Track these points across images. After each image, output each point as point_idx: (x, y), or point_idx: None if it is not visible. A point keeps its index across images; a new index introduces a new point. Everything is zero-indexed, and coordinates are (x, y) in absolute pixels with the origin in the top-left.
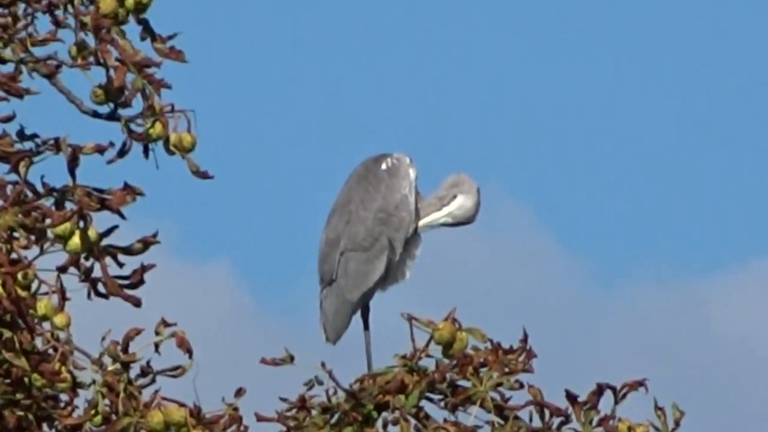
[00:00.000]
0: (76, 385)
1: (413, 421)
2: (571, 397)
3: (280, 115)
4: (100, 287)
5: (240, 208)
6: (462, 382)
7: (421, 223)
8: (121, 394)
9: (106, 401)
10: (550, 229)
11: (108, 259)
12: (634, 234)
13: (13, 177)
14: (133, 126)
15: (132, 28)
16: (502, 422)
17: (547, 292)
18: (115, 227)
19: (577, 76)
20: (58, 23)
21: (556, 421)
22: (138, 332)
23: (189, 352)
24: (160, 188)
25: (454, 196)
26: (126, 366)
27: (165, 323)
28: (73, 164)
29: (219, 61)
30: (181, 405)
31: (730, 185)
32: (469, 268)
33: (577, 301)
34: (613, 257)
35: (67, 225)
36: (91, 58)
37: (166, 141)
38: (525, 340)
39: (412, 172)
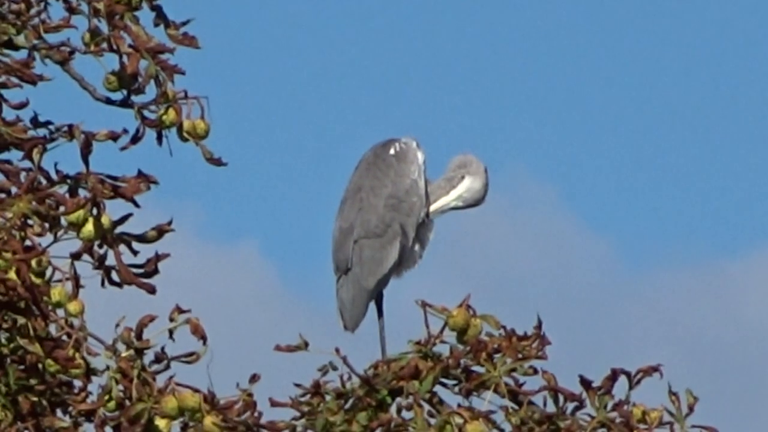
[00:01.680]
0: (89, 372)
1: (427, 407)
2: (585, 383)
3: (295, 100)
4: (114, 275)
5: (267, 189)
6: (476, 368)
7: (431, 208)
8: (135, 380)
9: (120, 387)
10: (575, 208)
11: (123, 247)
12: (660, 214)
13: (27, 164)
14: (146, 113)
15: (145, 14)
16: (516, 407)
17: (571, 273)
18: (129, 215)
19: (603, 54)
20: (71, 10)
21: (570, 406)
22: (152, 319)
23: (203, 338)
24: (186, 170)
25: (462, 177)
26: (140, 352)
27: (179, 310)
28: (86, 151)
29: (233, 47)
30: (196, 391)
31: (758, 164)
32: (491, 249)
33: (601, 283)
34: (639, 238)
35: (81, 212)
36: (104, 45)
37: (180, 128)
38: (539, 326)
39: (420, 156)
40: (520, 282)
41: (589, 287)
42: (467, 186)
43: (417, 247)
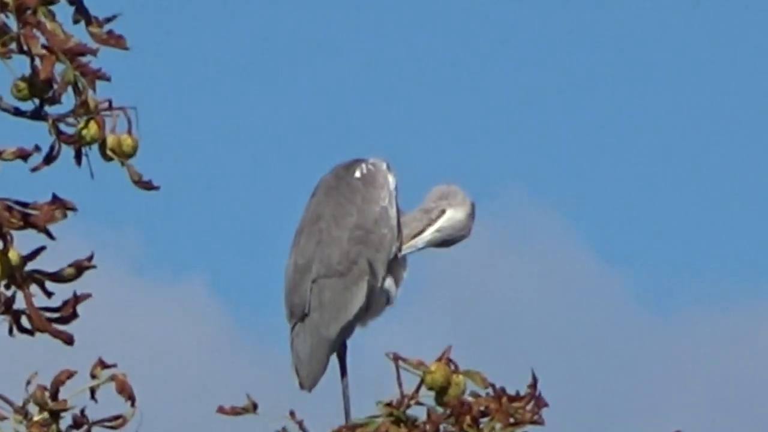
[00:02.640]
0: None
1: None
2: None
3: (246, 111)
4: (24, 321)
5: (216, 216)
6: None
7: (406, 243)
8: None
9: None
10: (586, 239)
11: (35, 288)
12: (686, 247)
13: None
14: (62, 126)
15: (63, 9)
16: None
17: (580, 315)
18: (42, 249)
19: (621, 62)
20: None
21: None
22: (70, 375)
23: (131, 398)
24: (121, 194)
25: (443, 211)
26: (55, 415)
27: (103, 364)
28: None
29: (168, 48)
30: None
31: None
32: (484, 288)
33: (616, 326)
34: (660, 274)
35: None
36: (13, 45)
37: (103, 144)
38: (534, 385)
39: (391, 180)
40: (520, 327)
41: (601, 331)
42: (447, 217)
43: (389, 288)
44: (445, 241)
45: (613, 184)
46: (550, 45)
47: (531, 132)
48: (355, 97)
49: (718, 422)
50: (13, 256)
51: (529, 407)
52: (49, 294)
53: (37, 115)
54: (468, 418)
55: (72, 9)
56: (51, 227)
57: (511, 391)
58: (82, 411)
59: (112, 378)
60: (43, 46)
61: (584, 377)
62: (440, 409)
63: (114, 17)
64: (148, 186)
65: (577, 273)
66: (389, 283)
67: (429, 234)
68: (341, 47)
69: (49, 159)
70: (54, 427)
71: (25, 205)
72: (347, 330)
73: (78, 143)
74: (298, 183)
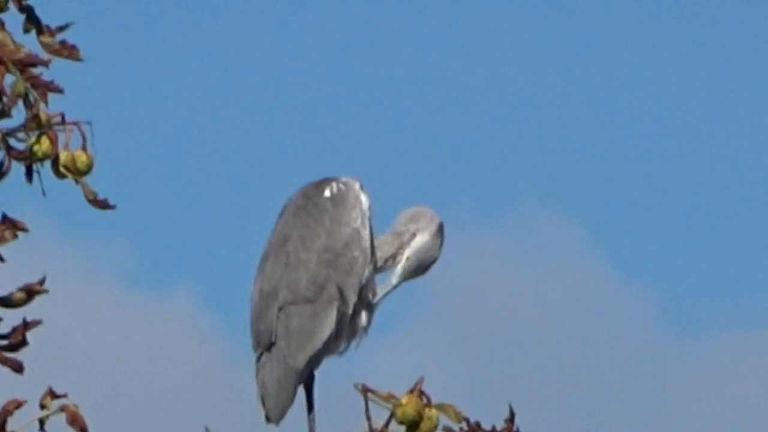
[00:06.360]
0: None
1: None
2: None
3: (206, 124)
4: None
5: (208, 227)
6: None
7: (378, 293)
8: None
9: None
10: (606, 254)
11: None
12: (718, 264)
13: None
14: (13, 141)
15: (13, 17)
16: None
17: (600, 338)
18: None
19: (640, 67)
20: None
21: None
22: (19, 405)
23: (83, 430)
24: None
25: (414, 234)
26: None
27: (53, 394)
28: None
29: (124, 58)
30: None
31: None
32: (497, 305)
33: (641, 350)
34: (690, 293)
35: None
36: None
37: (55, 161)
38: (511, 419)
39: (364, 200)
40: (534, 347)
41: (623, 355)
42: (417, 247)
43: (362, 316)
44: (418, 268)
45: (637, 195)
46: (565, 50)
47: (545, 141)
48: (336, 109)
49: None
50: None
51: None
52: None
53: None
54: None
55: (22, 17)
56: (2, 249)
57: (487, 426)
58: None
59: (63, 409)
60: None
61: (600, 401)
62: None
63: (67, 26)
64: (103, 205)
65: (598, 290)
66: (363, 311)
67: (400, 268)
68: (323, 50)
69: None
70: None
71: None
72: (315, 359)
73: (29, 159)
74: (283, 192)
